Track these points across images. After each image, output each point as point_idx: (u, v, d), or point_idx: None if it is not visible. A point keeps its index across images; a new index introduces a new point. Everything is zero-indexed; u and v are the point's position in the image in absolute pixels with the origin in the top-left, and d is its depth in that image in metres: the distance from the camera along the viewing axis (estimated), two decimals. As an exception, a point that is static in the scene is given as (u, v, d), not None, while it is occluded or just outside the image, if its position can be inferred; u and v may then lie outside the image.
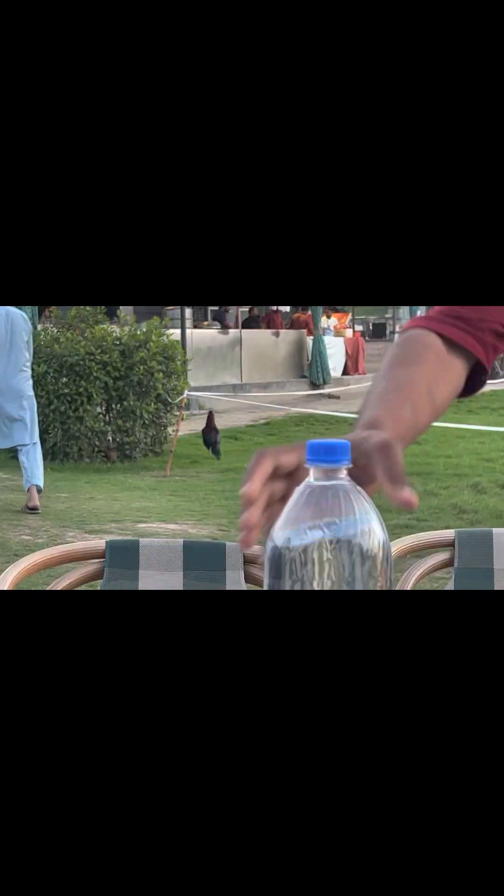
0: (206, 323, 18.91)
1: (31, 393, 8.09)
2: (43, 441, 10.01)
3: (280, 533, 0.91)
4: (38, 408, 9.82)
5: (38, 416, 9.85)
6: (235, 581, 1.73)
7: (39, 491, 7.80)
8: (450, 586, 1.75)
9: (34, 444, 7.99)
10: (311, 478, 0.92)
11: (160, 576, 1.74)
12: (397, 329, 23.15)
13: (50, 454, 10.15)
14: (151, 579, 1.74)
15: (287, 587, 0.91)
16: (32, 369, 9.82)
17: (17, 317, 7.95)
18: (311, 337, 18.83)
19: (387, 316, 25.13)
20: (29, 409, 8.05)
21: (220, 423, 10.88)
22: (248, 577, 1.73)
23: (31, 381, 8.10)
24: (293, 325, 20.42)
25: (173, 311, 15.98)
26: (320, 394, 17.58)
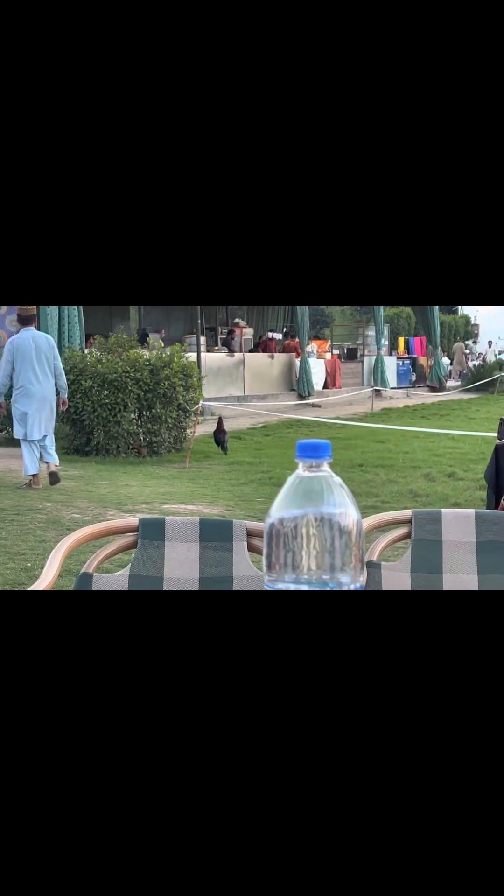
0: (216, 348, 18.87)
1: (54, 399, 7.97)
2: (88, 440, 10.13)
3: (276, 512, 0.91)
4: (84, 414, 9.91)
5: (85, 421, 9.95)
6: (240, 551, 1.71)
7: (56, 466, 7.87)
8: (407, 555, 1.74)
9: (50, 434, 7.99)
10: (300, 469, 0.91)
11: (182, 546, 1.72)
12: (366, 352, 23.17)
13: (94, 451, 10.19)
14: (174, 549, 1.72)
15: (281, 556, 0.90)
16: (81, 387, 9.88)
17: (42, 339, 7.84)
18: (299, 359, 18.84)
19: (357, 342, 25.07)
20: (53, 412, 8.04)
21: (228, 426, 10.87)
22: (251, 547, 1.71)
23: (54, 389, 7.95)
24: (284, 349, 20.39)
25: (191, 338, 15.99)
26: (306, 403, 17.60)
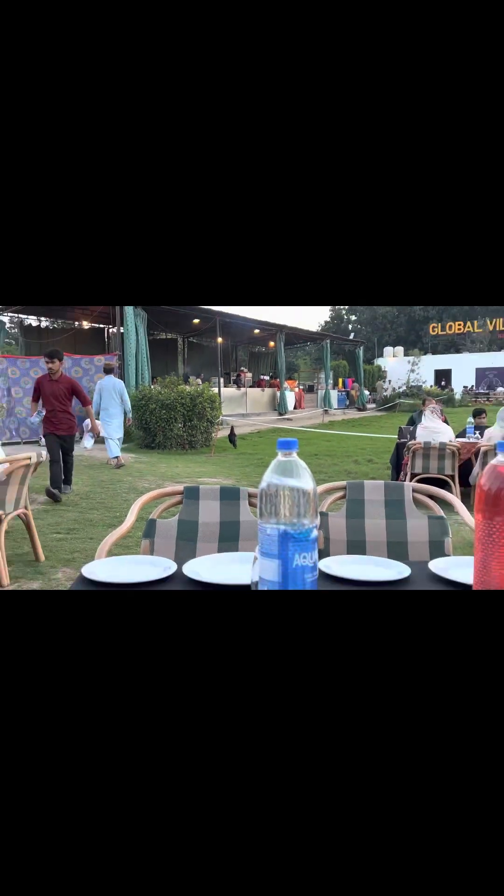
0: (230, 385, 18.83)
1: (122, 417, 8.34)
2: (153, 440, 10.26)
3: (265, 482, 0.90)
4: (151, 424, 10.10)
5: (151, 428, 10.10)
6: (244, 505, 1.69)
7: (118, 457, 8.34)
8: (343, 508, 1.73)
9: (121, 437, 8.43)
10: (280, 456, 0.90)
11: (209, 502, 1.70)
12: (319, 387, 23.16)
13: (157, 446, 10.22)
14: (205, 504, 1.70)
15: (269, 507, 0.88)
16: (149, 408, 9.99)
17: (117, 382, 8.23)
18: (279, 391, 18.83)
19: (314, 381, 25.08)
20: (122, 424, 8.43)
21: (237, 431, 10.85)
22: (250, 503, 1.69)
23: (122, 411, 8.32)
24: (270, 385, 20.39)
25: (215, 379, 15.94)
26: (283, 418, 17.56)
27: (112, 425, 8.19)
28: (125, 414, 8.42)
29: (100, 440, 8.90)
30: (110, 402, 8.14)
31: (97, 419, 8.30)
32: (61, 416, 5.75)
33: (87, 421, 7.23)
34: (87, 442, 7.49)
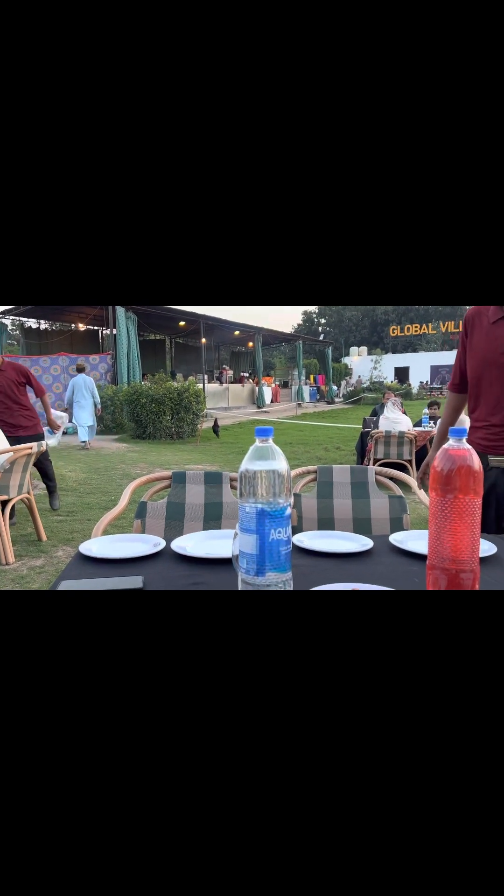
0: (213, 381, 18.72)
1: (93, 408, 8.90)
2: (144, 431, 10.24)
3: (244, 465, 0.89)
4: (142, 417, 10.22)
5: (142, 420, 10.21)
6: (226, 488, 1.68)
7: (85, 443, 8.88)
8: (314, 490, 1.73)
9: (91, 425, 8.99)
10: (257, 442, 0.89)
11: (195, 486, 1.69)
12: (293, 383, 23.23)
13: (148, 437, 10.12)
14: (191, 487, 1.69)
15: (248, 489, 0.87)
16: (140, 402, 10.04)
17: (88, 379, 8.79)
18: (257, 386, 18.79)
19: (288, 377, 25.11)
20: (93, 414, 8.97)
21: (220, 423, 10.80)
22: (231, 486, 1.69)
23: (93, 404, 8.88)
24: (250, 381, 20.37)
25: (199, 376, 15.85)
26: (261, 410, 17.54)
27: (83, 415, 8.64)
28: (95, 405, 8.89)
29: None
30: (80, 396, 8.65)
31: (69, 411, 8.77)
32: (16, 412, 3.93)
33: (44, 414, 6.55)
34: (51, 440, 7.08)
